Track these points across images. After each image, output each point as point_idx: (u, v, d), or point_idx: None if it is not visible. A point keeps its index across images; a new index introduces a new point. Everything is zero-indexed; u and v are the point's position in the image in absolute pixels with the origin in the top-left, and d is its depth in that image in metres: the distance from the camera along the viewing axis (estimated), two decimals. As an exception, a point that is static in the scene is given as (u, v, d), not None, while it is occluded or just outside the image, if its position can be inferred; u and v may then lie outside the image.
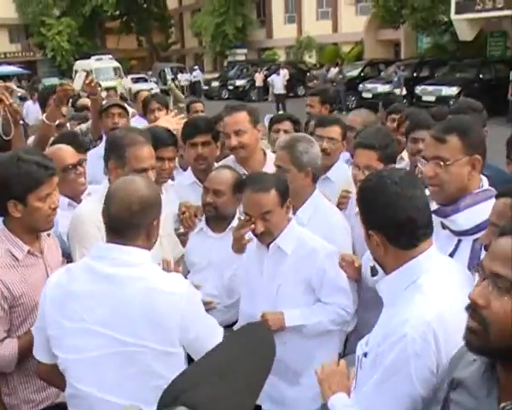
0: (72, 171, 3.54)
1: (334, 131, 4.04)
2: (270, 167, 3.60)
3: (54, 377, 2.32)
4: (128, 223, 2.15)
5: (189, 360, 2.33)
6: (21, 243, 2.66)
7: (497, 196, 2.29)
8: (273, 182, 2.91)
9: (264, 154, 3.95)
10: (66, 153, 3.58)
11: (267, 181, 2.92)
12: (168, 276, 2.25)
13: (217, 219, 3.43)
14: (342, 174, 3.88)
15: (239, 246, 3.19)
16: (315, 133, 4.07)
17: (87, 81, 4.71)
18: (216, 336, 2.28)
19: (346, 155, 4.30)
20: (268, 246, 2.99)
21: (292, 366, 2.97)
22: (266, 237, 2.95)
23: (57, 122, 4.48)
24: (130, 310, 2.09)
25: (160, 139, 3.62)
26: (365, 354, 2.04)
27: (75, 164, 3.56)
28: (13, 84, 6.39)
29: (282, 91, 25.97)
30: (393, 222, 1.99)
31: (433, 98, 19.63)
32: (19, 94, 17.09)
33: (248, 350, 1.35)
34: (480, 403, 1.54)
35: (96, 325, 2.11)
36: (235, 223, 3.38)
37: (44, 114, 4.42)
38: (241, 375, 1.27)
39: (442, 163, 2.51)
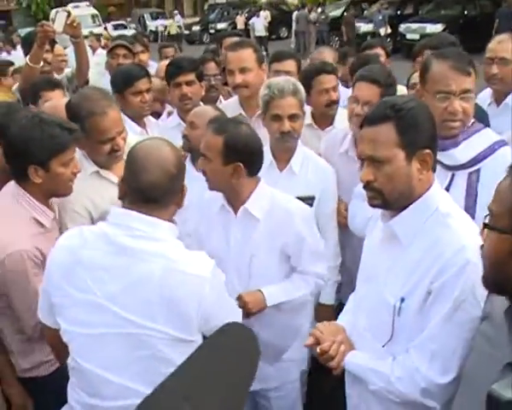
0: None
1: (290, 64, 4.08)
2: None
3: (58, 343, 2.11)
4: (168, 189, 1.99)
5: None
6: (46, 208, 2.54)
7: None
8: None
9: None
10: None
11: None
12: (192, 256, 2.03)
13: (198, 156, 3.28)
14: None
15: None
16: (271, 68, 4.09)
17: (68, 21, 4.45)
18: (236, 318, 2.15)
19: None
20: (235, 212, 2.67)
21: (278, 346, 2.78)
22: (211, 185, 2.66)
23: (41, 65, 4.38)
24: (145, 289, 1.91)
25: (133, 74, 3.80)
26: (402, 300, 1.93)
27: None
28: None
29: (264, 34, 25.53)
30: (436, 140, 1.97)
31: (417, 36, 19.27)
32: None
33: (225, 361, 1.19)
34: (500, 337, 1.56)
35: (106, 299, 1.94)
36: None
37: (28, 56, 4.32)
38: (218, 395, 1.11)
39: (471, 95, 2.52)
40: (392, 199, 1.94)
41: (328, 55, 4.64)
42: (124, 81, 3.82)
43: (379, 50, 4.56)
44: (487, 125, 3.30)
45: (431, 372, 1.88)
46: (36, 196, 2.51)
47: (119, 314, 1.93)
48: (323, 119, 3.75)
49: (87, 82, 4.91)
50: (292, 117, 3.05)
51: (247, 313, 2.54)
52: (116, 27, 31.91)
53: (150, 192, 1.97)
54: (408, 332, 1.93)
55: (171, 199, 2.02)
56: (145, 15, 37.26)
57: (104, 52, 7.88)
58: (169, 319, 1.92)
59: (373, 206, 2.02)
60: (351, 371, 2.10)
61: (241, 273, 2.67)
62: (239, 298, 2.56)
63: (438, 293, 1.86)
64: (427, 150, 1.91)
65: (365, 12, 25.32)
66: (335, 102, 3.68)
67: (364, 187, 2.00)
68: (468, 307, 1.83)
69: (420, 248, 1.91)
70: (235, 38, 5.13)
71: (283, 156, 3.16)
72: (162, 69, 4.51)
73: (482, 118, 3.30)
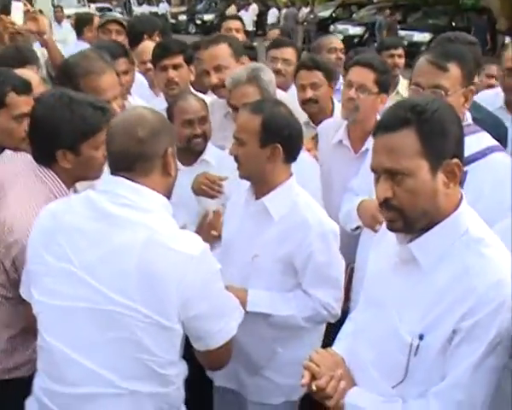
0: None
1: (289, 52, 4.11)
2: None
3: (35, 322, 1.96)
4: (138, 153, 1.82)
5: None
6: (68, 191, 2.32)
7: None
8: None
9: None
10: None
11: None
12: (181, 233, 1.89)
13: (187, 151, 3.10)
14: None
15: (198, 188, 2.97)
16: (269, 55, 4.14)
17: (25, 10, 4.06)
18: (225, 316, 1.92)
19: None
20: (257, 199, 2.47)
21: (253, 357, 2.52)
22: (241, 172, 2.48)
23: None
24: (124, 262, 1.76)
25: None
26: (421, 337, 1.64)
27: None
28: None
29: (251, 28, 25.41)
30: (463, 146, 1.70)
31: (404, 43, 19.30)
32: None
33: None
34: None
35: (83, 270, 1.79)
36: (206, 155, 3.15)
37: None
38: None
39: (443, 93, 2.35)
40: (414, 219, 1.67)
41: (335, 41, 4.83)
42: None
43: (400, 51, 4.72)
44: (504, 137, 3.19)
45: None
46: (63, 180, 2.29)
47: (93, 286, 1.78)
48: None
49: None
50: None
51: None
52: (101, 10, 31.46)
53: (119, 161, 1.85)
54: (424, 374, 1.65)
55: (146, 166, 1.85)
56: (131, 0, 36.87)
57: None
58: (145, 296, 1.76)
59: (392, 230, 1.73)
60: None
61: (242, 270, 2.47)
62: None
63: (468, 334, 1.59)
64: (455, 160, 1.64)
65: (354, 15, 25.38)
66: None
67: (381, 205, 1.70)
68: (501, 352, 1.59)
69: (445, 276, 1.64)
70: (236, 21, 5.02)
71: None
72: (144, 51, 4.23)
73: (499, 130, 3.17)
